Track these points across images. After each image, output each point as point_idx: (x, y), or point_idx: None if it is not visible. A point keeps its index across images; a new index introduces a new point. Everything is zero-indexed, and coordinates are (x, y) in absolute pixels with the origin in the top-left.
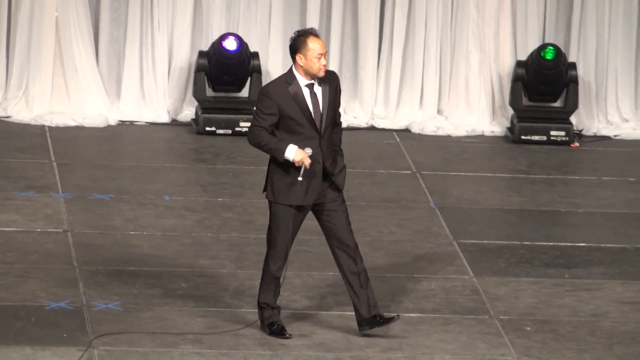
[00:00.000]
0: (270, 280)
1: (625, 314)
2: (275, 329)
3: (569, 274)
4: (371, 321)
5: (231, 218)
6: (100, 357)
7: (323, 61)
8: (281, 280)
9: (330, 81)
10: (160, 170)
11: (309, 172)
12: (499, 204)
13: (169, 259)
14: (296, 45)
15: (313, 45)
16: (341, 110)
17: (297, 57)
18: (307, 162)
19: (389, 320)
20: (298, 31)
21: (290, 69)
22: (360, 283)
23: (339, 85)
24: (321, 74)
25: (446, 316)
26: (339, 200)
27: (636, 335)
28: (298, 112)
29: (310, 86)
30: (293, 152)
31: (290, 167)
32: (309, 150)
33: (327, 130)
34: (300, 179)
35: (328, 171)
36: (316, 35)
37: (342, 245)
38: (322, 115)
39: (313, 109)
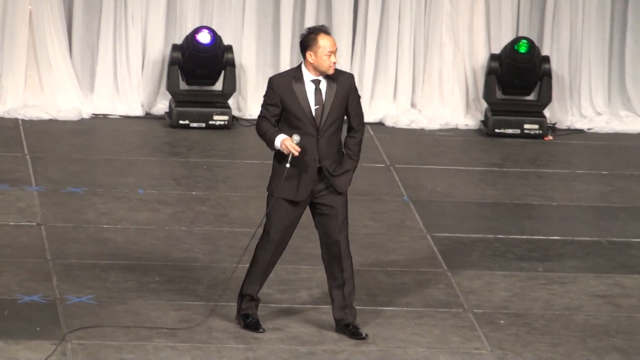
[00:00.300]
0: (257, 271)
1: (598, 307)
2: (249, 322)
3: (543, 267)
4: (341, 325)
5: (205, 211)
6: (74, 351)
7: (333, 59)
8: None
9: (342, 82)
10: (133, 163)
11: (300, 165)
12: (472, 197)
13: (142, 252)
14: (307, 42)
15: (323, 42)
16: None
17: (307, 54)
18: (293, 150)
19: (357, 336)
20: (309, 28)
21: (300, 64)
22: (337, 284)
23: (355, 90)
24: (331, 71)
25: (420, 310)
26: (337, 204)
27: (609, 328)
28: (298, 106)
29: (316, 82)
30: (279, 141)
31: (282, 160)
32: (296, 138)
33: (327, 129)
34: (287, 165)
35: (327, 171)
36: (327, 33)
37: (329, 249)
38: (322, 113)
39: (314, 106)
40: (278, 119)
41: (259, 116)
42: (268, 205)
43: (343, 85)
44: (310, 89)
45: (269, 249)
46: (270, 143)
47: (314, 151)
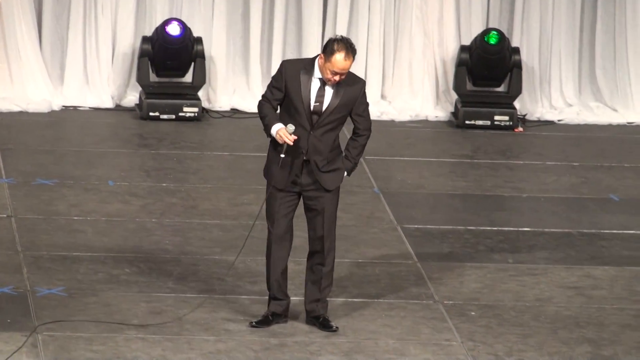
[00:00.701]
0: (268, 266)
1: (569, 298)
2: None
3: (513, 258)
4: (311, 316)
5: (175, 203)
6: (44, 342)
7: (336, 77)
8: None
9: (350, 88)
10: (104, 155)
11: (289, 156)
12: (443, 188)
13: (113, 244)
14: (327, 47)
15: (336, 61)
16: None
17: (321, 56)
18: (288, 139)
19: (328, 328)
20: (338, 37)
21: (316, 57)
22: (313, 279)
23: (362, 98)
24: (329, 84)
25: (390, 301)
26: (323, 201)
27: (580, 319)
28: (299, 97)
29: (322, 81)
30: (275, 130)
31: (277, 147)
32: (291, 127)
33: (321, 127)
34: (282, 155)
35: (315, 166)
36: (347, 55)
37: (313, 243)
38: (321, 111)
39: (314, 102)
40: (280, 103)
41: (262, 96)
42: (266, 192)
43: (350, 91)
44: (315, 85)
45: (271, 240)
46: (267, 129)
47: (304, 144)
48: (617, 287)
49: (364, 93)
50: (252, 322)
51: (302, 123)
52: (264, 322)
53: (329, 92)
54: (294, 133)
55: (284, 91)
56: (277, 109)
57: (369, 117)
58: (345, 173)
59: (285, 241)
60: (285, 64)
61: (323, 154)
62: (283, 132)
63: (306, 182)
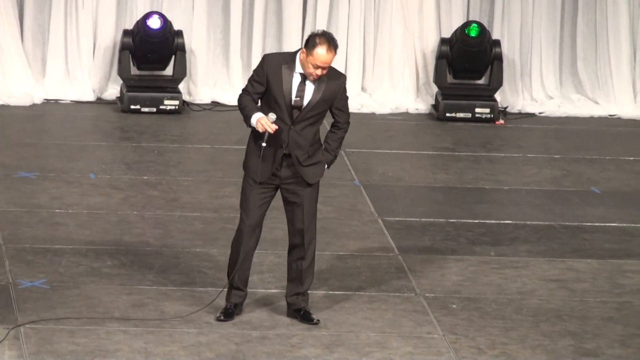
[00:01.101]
0: (233, 256)
1: (551, 291)
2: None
3: (495, 251)
4: (292, 309)
5: (156, 196)
6: (27, 335)
7: (318, 72)
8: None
9: (331, 83)
10: (85, 148)
11: (271, 148)
12: (424, 181)
13: (94, 236)
14: (308, 41)
15: (317, 55)
16: None
17: (302, 51)
18: (269, 127)
19: (309, 321)
20: (320, 31)
21: (297, 51)
22: (295, 273)
23: (344, 91)
24: (310, 78)
25: (371, 294)
26: (303, 194)
27: (562, 312)
28: (280, 92)
29: (303, 76)
30: (256, 119)
31: (257, 139)
32: (272, 116)
33: (302, 122)
34: (264, 144)
35: (296, 160)
36: (329, 48)
37: (293, 237)
38: (302, 106)
39: (295, 97)
40: (260, 97)
41: (242, 89)
42: (242, 183)
43: (331, 86)
44: (296, 79)
45: (238, 229)
46: (247, 119)
47: (285, 138)
48: (600, 279)
49: (345, 88)
50: (219, 316)
51: (282, 117)
52: (229, 314)
53: (310, 87)
54: (274, 123)
55: (265, 85)
56: (257, 103)
57: (348, 111)
58: (326, 166)
59: (256, 233)
60: (266, 58)
61: (304, 148)
62: (264, 120)
63: (285, 175)
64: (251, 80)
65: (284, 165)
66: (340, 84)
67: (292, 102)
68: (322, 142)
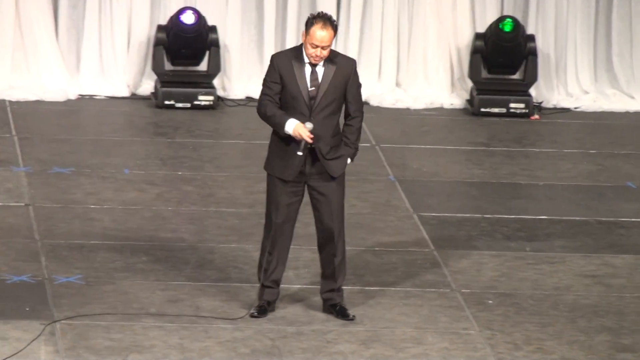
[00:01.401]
0: (261, 253)
1: (587, 287)
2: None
3: (531, 247)
4: (328, 305)
5: (191, 191)
6: (62, 330)
7: (318, 52)
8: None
9: (341, 66)
10: (119, 144)
11: (292, 144)
12: (459, 176)
13: (129, 232)
14: (306, 23)
15: (314, 33)
16: None
17: (302, 36)
18: (306, 137)
19: (345, 317)
20: (315, 13)
21: (302, 44)
22: (328, 270)
23: (355, 76)
24: (313, 61)
25: (407, 289)
26: (330, 190)
27: (599, 308)
28: (295, 85)
29: (312, 64)
30: (292, 127)
31: (285, 140)
32: (309, 125)
33: (321, 111)
34: (299, 153)
35: (320, 153)
36: (325, 25)
37: (322, 234)
38: (317, 94)
39: (310, 86)
40: (280, 97)
41: (261, 95)
42: (266, 184)
43: (342, 70)
44: (307, 69)
45: (267, 231)
46: (279, 127)
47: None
48: (636, 275)
49: (356, 72)
50: (252, 313)
51: (301, 110)
52: (263, 311)
53: (321, 74)
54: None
55: (281, 83)
56: (279, 106)
57: (361, 99)
58: (349, 160)
59: (288, 231)
60: (274, 57)
61: (326, 140)
62: (302, 130)
63: (310, 172)
64: (266, 83)
65: (307, 161)
66: (351, 66)
67: (308, 93)
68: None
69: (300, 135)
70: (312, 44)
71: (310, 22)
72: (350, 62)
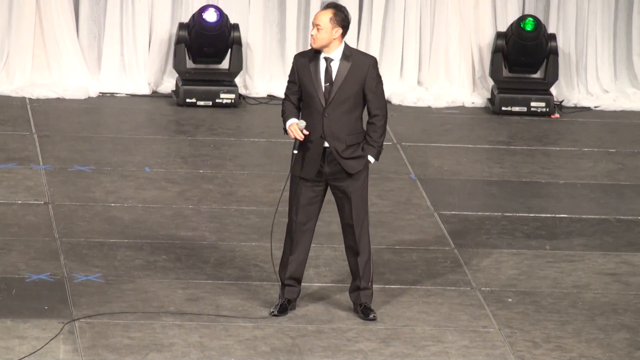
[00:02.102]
0: (285, 254)
1: (606, 285)
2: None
3: (550, 245)
4: (355, 304)
5: (212, 190)
6: (81, 329)
7: (314, 31)
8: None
9: (359, 63)
10: (140, 142)
11: (307, 142)
12: (479, 175)
13: (149, 230)
14: None
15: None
16: None
17: None
18: (297, 135)
19: (366, 316)
20: None
21: None
22: (353, 269)
23: (373, 73)
24: (311, 43)
25: (427, 288)
26: (350, 188)
27: (617, 306)
28: (310, 82)
29: (328, 60)
30: (288, 126)
31: (302, 142)
32: (301, 124)
33: (335, 108)
34: (295, 151)
35: (336, 152)
36: (325, 7)
37: (345, 233)
38: (331, 90)
39: (324, 83)
40: (299, 97)
41: (284, 93)
42: (290, 183)
43: (359, 67)
44: (322, 66)
45: (288, 230)
46: (284, 125)
47: (320, 129)
48: None
49: (375, 67)
50: (272, 312)
51: (316, 107)
52: (283, 309)
53: (335, 70)
54: (307, 128)
55: (298, 82)
56: (297, 105)
57: (383, 96)
58: (373, 159)
59: (308, 231)
60: (295, 57)
61: (341, 138)
62: (294, 127)
63: (329, 171)
64: (288, 83)
65: (326, 161)
66: (368, 63)
67: (323, 89)
68: (363, 136)
69: (292, 133)
70: (312, 23)
71: None
72: (368, 59)
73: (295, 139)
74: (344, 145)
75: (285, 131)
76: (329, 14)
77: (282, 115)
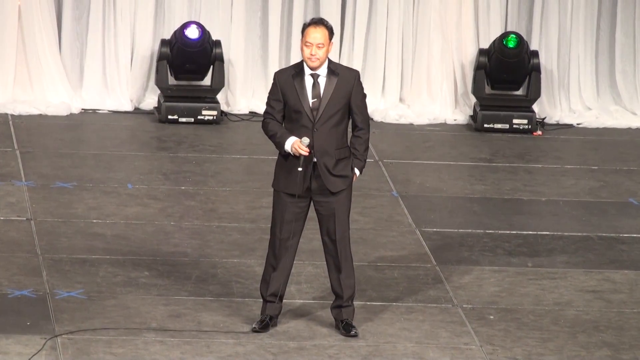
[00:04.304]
0: (267, 271)
1: (588, 302)
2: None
3: (532, 262)
4: (337, 321)
5: (194, 206)
6: (64, 345)
7: (313, 50)
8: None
9: (344, 77)
10: (123, 158)
11: (297, 158)
12: (461, 192)
13: (131, 247)
14: (302, 32)
15: (307, 33)
16: None
17: (300, 45)
18: (302, 151)
19: (347, 332)
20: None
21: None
22: (334, 286)
23: (359, 87)
24: (309, 63)
25: (409, 305)
26: (334, 205)
27: (599, 324)
28: (296, 99)
29: (314, 76)
30: (290, 144)
31: (289, 156)
32: (305, 140)
33: (324, 123)
34: (300, 169)
35: (325, 169)
36: (317, 25)
37: (327, 249)
38: (319, 106)
39: (311, 99)
40: (283, 115)
41: (264, 113)
42: (273, 201)
43: (345, 81)
44: (309, 82)
45: (272, 246)
46: (280, 147)
47: (311, 144)
48: (637, 291)
49: (359, 82)
50: (254, 328)
51: (304, 123)
52: (265, 325)
53: (322, 85)
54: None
55: (282, 99)
56: (282, 123)
57: (366, 110)
58: (358, 172)
59: (292, 247)
60: (276, 75)
61: (330, 153)
62: (297, 144)
63: (315, 187)
64: (269, 101)
65: (313, 176)
66: (354, 77)
67: (310, 105)
68: (349, 150)
69: (297, 150)
70: (306, 42)
71: (304, 27)
72: (353, 73)
73: (302, 157)
74: (333, 160)
75: (282, 151)
76: (325, 31)
77: (273, 136)
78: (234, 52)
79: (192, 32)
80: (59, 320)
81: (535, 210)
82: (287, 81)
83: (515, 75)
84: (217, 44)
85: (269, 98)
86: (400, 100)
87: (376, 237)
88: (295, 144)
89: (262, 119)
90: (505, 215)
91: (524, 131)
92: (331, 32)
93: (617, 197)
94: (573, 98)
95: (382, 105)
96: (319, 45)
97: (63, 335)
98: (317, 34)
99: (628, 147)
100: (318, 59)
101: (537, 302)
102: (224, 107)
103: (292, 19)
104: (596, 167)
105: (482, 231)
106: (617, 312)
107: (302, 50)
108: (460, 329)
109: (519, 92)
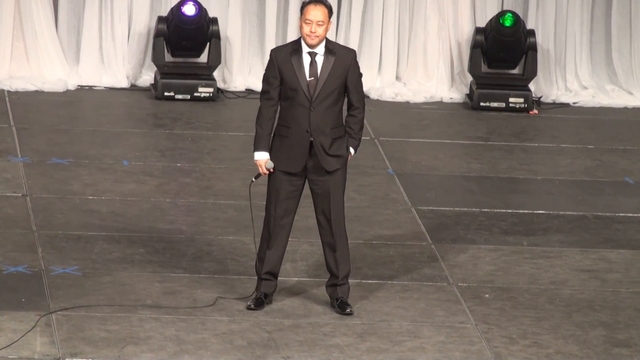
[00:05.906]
0: (262, 248)
1: (583, 281)
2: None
3: (528, 241)
4: (332, 299)
5: (189, 183)
6: (58, 321)
7: (313, 27)
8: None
9: (341, 56)
10: (119, 135)
11: (294, 136)
12: (457, 170)
13: (127, 223)
14: (300, 9)
15: (307, 11)
16: None
17: (299, 22)
18: (263, 170)
19: (342, 311)
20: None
21: (300, 36)
22: (330, 264)
23: (355, 66)
24: (309, 40)
25: (404, 283)
26: (329, 184)
27: (594, 303)
28: (294, 77)
29: (312, 55)
30: (259, 157)
31: (291, 135)
32: (269, 164)
33: (321, 102)
34: (253, 179)
35: (322, 147)
36: (316, 3)
37: (322, 228)
38: (317, 84)
39: (309, 77)
40: (279, 93)
41: (261, 93)
42: (268, 178)
43: (342, 60)
44: (306, 60)
45: (266, 224)
46: (255, 145)
47: (306, 123)
48: (633, 270)
49: (356, 62)
50: (249, 305)
51: (301, 102)
52: (260, 303)
53: (320, 63)
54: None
55: (279, 77)
56: (278, 100)
57: (362, 89)
58: (352, 151)
59: (286, 224)
60: (273, 52)
61: (326, 132)
62: (262, 163)
63: (310, 166)
64: (265, 79)
65: (310, 155)
66: (351, 56)
67: (307, 83)
68: (345, 130)
69: (261, 168)
70: (306, 19)
71: (303, 4)
72: (350, 52)
73: (259, 172)
74: (329, 139)
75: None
76: (324, 9)
77: (257, 132)
78: (230, 29)
79: (189, 9)
80: (53, 297)
81: (531, 189)
82: (285, 59)
83: (511, 54)
84: (214, 21)
85: (265, 76)
86: (397, 78)
87: (372, 215)
88: (260, 162)
89: (258, 96)
90: (501, 194)
91: (520, 110)
92: (330, 11)
93: (613, 177)
94: (569, 77)
95: (378, 83)
96: (319, 23)
97: (58, 312)
98: (317, 12)
99: (624, 127)
100: (317, 36)
101: (532, 281)
102: (220, 84)
103: None
104: (592, 146)
105: (477, 210)
106: (612, 291)
107: (301, 27)
108: (455, 307)
109: (515, 71)
